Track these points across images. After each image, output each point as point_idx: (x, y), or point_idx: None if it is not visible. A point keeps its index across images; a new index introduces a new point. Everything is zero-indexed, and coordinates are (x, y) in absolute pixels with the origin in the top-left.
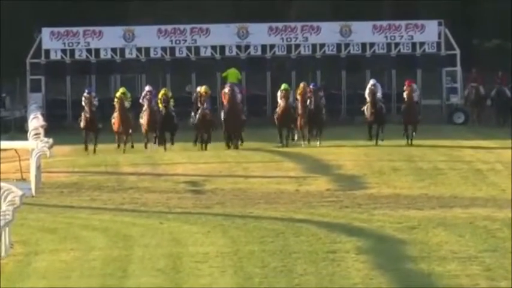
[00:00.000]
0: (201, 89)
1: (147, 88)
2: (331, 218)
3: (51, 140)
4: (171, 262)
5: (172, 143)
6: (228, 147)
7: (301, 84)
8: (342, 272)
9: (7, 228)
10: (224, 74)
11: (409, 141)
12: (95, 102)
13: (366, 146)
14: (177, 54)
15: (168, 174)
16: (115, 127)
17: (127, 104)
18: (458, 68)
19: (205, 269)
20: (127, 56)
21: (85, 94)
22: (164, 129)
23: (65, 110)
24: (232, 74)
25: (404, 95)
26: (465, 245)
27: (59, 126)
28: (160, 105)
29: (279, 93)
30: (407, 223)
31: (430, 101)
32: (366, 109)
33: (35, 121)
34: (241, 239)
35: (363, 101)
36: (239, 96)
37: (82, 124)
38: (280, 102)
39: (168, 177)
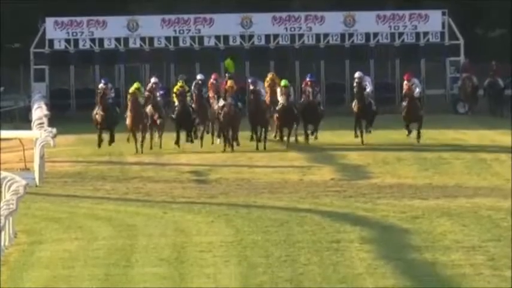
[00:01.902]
0: (228, 82)
1: (153, 80)
2: (335, 208)
3: (54, 130)
4: (175, 252)
5: (192, 141)
6: (255, 140)
7: (270, 75)
8: (345, 262)
9: (11, 218)
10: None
11: (417, 137)
12: (112, 94)
13: (369, 136)
14: (181, 44)
15: (172, 164)
16: (129, 125)
17: (141, 100)
18: (462, 58)
19: (209, 259)
20: (131, 45)
21: (101, 85)
22: (180, 126)
23: (69, 99)
24: (230, 65)
25: (405, 88)
26: (469, 234)
27: (62, 116)
28: (175, 100)
29: (278, 90)
30: (411, 213)
31: (433, 91)
32: (354, 104)
33: (39, 111)
34: (245, 229)
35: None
36: (263, 91)
37: (97, 119)
38: (280, 99)
39: (172, 167)
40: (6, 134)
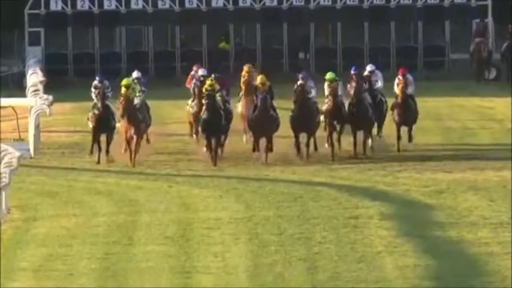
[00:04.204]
0: (257, 79)
1: (135, 74)
2: (353, 182)
3: (51, 97)
4: (181, 229)
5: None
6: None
7: (245, 68)
8: (364, 240)
9: (4, 192)
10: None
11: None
12: (109, 93)
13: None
14: (187, 5)
15: (178, 134)
16: (123, 133)
17: (136, 101)
18: (490, 20)
19: (217, 236)
20: (133, 6)
21: (95, 83)
22: (209, 132)
23: (66, 64)
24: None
25: (396, 89)
26: (497, 210)
27: (59, 82)
28: (203, 101)
29: (326, 86)
30: (435, 187)
31: (458, 55)
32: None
33: (34, 76)
34: (256, 204)
35: (388, 54)
36: (314, 92)
37: (91, 123)
38: (328, 96)
39: (177, 137)
40: None
